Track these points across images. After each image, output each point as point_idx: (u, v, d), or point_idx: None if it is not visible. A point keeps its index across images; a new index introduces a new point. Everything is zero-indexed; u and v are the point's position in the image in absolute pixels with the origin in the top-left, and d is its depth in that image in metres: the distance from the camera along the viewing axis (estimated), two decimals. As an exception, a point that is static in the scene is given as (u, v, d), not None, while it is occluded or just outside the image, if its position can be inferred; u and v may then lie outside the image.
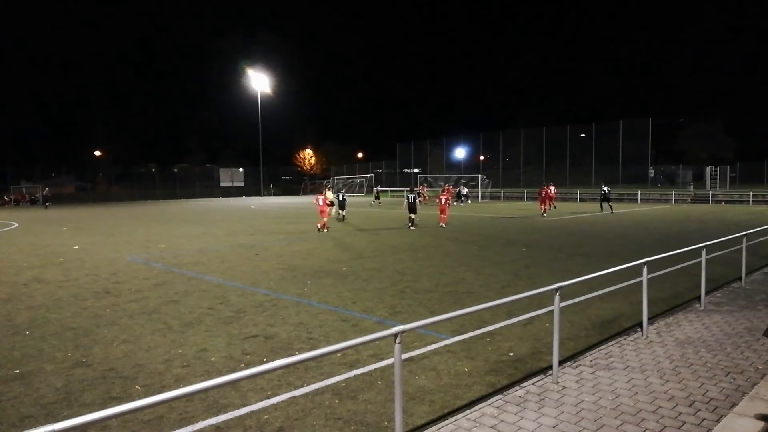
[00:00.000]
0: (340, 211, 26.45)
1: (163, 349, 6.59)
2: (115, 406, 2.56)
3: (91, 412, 2.52)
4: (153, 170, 77.42)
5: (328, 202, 24.02)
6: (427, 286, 10.27)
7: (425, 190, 42.81)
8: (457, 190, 43.84)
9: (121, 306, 8.94)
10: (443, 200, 22.80)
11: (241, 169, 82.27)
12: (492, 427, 4.33)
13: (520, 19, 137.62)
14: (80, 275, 12.03)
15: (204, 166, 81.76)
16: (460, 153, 70.19)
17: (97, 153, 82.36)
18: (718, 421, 4.34)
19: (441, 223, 22.30)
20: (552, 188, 30.60)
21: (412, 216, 22.25)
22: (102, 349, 6.63)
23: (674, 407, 4.65)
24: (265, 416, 4.68)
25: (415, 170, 70.28)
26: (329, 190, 28.76)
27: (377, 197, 46.04)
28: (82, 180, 72.96)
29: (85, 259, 14.52)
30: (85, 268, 13.08)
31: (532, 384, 5.24)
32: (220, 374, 5.46)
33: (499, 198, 52.12)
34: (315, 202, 22.42)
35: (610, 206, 30.67)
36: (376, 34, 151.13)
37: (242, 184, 79.76)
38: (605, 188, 30.74)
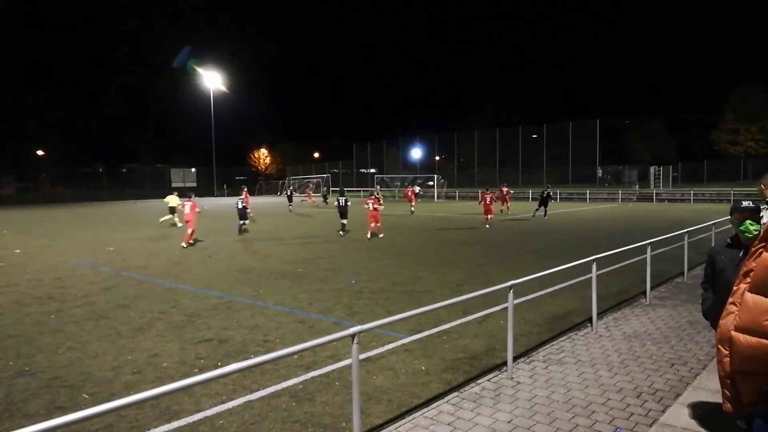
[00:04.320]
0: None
1: (112, 356, 6.37)
2: (60, 416, 2.46)
3: (34, 423, 2.40)
4: (100, 170, 74.61)
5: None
6: (383, 285, 10.29)
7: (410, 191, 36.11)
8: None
9: (67, 312, 8.58)
10: (371, 205, 18.66)
11: (193, 169, 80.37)
12: (449, 425, 4.38)
13: (473, 21, 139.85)
14: (22, 280, 11.48)
15: (154, 165, 79.39)
16: (416, 153, 70.77)
17: (40, 152, 78.76)
18: (663, 411, 4.52)
19: (378, 234, 18.90)
20: (488, 196, 24.69)
21: (343, 222, 19.99)
22: (46, 357, 6.35)
23: (623, 399, 4.82)
24: (220, 421, 4.59)
25: (372, 170, 70.40)
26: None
27: (325, 198, 45.27)
28: (22, 180, 69.61)
29: (27, 264, 13.86)
30: (27, 272, 12.49)
31: (488, 380, 5.33)
32: (173, 380, 5.31)
33: (454, 198, 52.79)
34: (365, 205, 18.99)
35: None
36: (331, 34, 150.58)
37: (195, 184, 77.84)
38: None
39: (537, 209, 27.61)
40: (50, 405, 5.01)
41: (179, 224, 22.43)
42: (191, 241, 17.17)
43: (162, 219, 24.54)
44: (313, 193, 48.31)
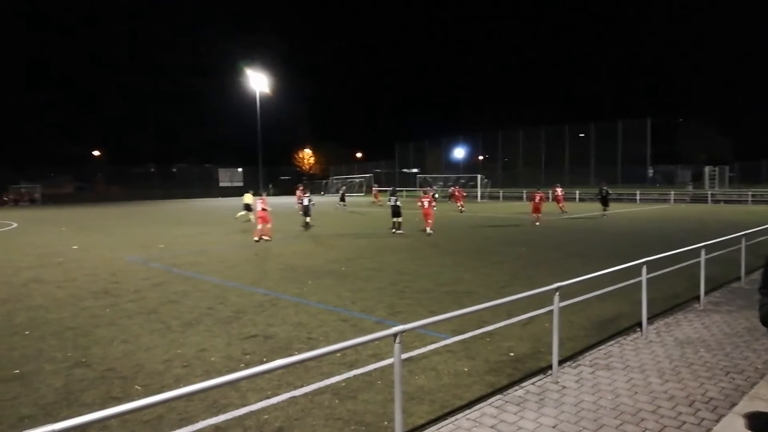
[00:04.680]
0: (397, 219, 20.61)
1: (163, 349, 6.59)
2: (114, 406, 2.56)
3: (90, 412, 2.51)
4: (151, 170, 77.30)
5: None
6: (426, 285, 10.27)
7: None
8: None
9: (120, 306, 8.93)
10: (426, 203, 20.16)
11: (239, 169, 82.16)
12: (492, 427, 4.33)
13: (518, 18, 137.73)
14: (79, 275, 12.02)
15: (203, 165, 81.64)
16: (459, 153, 70.21)
17: (96, 153, 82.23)
18: (717, 420, 4.34)
19: (427, 229, 19.82)
20: (538, 196, 24.84)
21: (396, 220, 20.37)
22: (101, 349, 6.62)
23: (674, 407, 4.65)
24: (265, 416, 4.68)
25: (414, 170, 70.31)
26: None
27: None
28: (80, 180, 72.87)
29: (84, 259, 14.50)
30: (84, 268, 13.06)
31: (532, 384, 5.24)
32: (220, 374, 5.45)
33: (498, 198, 52.13)
34: (419, 202, 20.68)
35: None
36: (375, 34, 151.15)
37: (241, 183, 79.58)
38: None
39: (605, 208, 27.63)
40: (105, 395, 5.22)
41: (253, 220, 23.19)
42: (266, 238, 18.44)
43: (238, 215, 25.94)
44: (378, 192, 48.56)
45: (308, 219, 22.93)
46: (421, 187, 53.96)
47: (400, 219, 20.48)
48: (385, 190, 45.62)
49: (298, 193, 23.53)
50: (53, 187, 64.56)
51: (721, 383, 5.18)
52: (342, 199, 37.42)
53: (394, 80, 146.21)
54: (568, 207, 32.88)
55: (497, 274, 11.47)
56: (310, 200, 23.30)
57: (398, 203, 20.78)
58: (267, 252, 15.41)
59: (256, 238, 18.23)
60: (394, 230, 20.26)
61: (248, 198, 25.55)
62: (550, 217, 27.01)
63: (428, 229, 19.72)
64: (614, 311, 8.11)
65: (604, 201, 27.73)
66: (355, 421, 4.57)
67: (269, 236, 18.67)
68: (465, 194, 37.99)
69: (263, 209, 18.47)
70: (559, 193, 30.99)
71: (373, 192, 48.03)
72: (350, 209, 35.60)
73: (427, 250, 15.33)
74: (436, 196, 23.44)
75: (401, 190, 27.58)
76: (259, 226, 18.45)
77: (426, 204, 20.01)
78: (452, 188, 40.37)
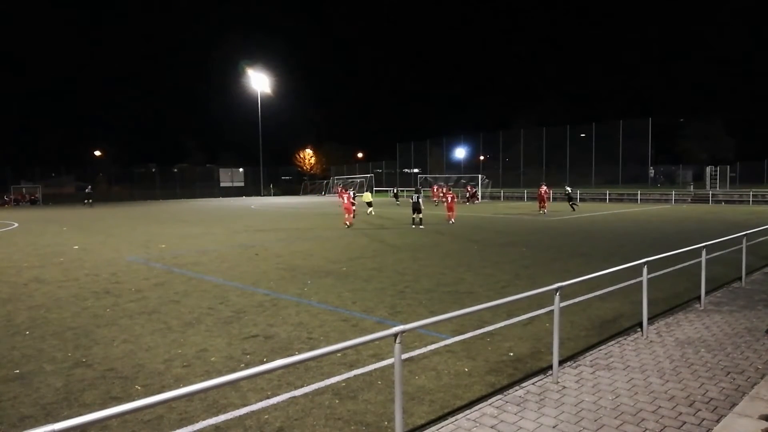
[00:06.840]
0: (417, 215, 22.91)
1: (163, 349, 6.59)
2: (115, 406, 2.56)
3: (91, 412, 2.52)
4: (153, 170, 77.34)
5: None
6: (427, 286, 10.27)
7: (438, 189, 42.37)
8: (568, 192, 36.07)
9: (121, 306, 8.94)
10: (450, 198, 24.68)
11: (241, 169, 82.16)
12: (492, 427, 4.33)
13: (520, 18, 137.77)
14: (80, 275, 12.03)
15: (204, 166, 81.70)
16: (460, 153, 70.16)
17: (97, 153, 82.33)
18: (718, 421, 4.34)
19: (450, 220, 24.17)
20: (543, 190, 31.75)
21: (416, 215, 22.63)
22: (102, 349, 6.63)
23: (674, 407, 4.65)
24: (265, 416, 4.68)
25: (416, 170, 70.26)
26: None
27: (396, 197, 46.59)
28: (81, 180, 72.94)
29: (85, 259, 14.51)
30: (85, 268, 13.07)
31: (532, 384, 5.24)
32: (220, 374, 5.45)
33: (499, 198, 52.11)
34: (443, 198, 26.16)
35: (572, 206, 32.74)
36: (376, 35, 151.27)
37: (242, 184, 79.66)
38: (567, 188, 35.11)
39: (572, 205, 32.12)
40: (105, 395, 5.23)
41: (373, 213, 30.30)
42: (348, 224, 22.43)
43: (369, 211, 30.51)
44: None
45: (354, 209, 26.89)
46: (422, 186, 53.93)
47: (419, 215, 22.57)
48: (411, 189, 45.88)
49: (340, 191, 27.17)
50: (54, 188, 64.63)
51: (721, 383, 5.17)
52: (396, 196, 45.20)
53: (396, 80, 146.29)
54: (566, 207, 32.86)
55: (499, 274, 11.47)
56: (355, 194, 27.12)
57: (421, 200, 22.94)
58: (267, 252, 15.41)
59: (346, 224, 22.29)
60: (414, 225, 22.43)
61: (368, 196, 31.53)
62: (552, 217, 27.01)
63: (451, 220, 24.05)
64: (615, 311, 8.10)
65: (569, 199, 32.63)
66: (356, 421, 4.57)
67: (351, 223, 22.64)
68: (447, 191, 38.49)
69: (350, 201, 22.73)
70: (541, 191, 31.50)
71: (439, 189, 47.70)
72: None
73: (428, 250, 15.33)
74: (478, 192, 35.57)
75: (420, 189, 29.90)
76: (347, 215, 22.60)
77: (449, 200, 24.56)
78: (437, 185, 41.46)
